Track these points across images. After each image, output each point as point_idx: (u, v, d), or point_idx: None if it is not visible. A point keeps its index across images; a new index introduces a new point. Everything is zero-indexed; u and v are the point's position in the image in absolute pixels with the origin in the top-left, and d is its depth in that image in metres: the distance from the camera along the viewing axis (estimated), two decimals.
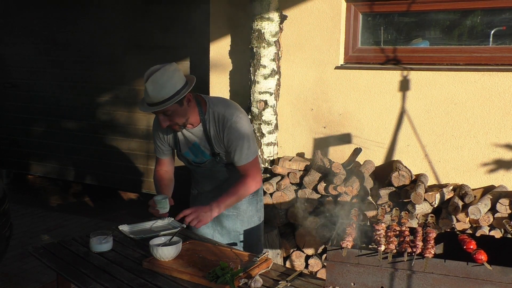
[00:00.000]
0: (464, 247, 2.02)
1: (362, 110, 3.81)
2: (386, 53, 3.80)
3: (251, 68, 3.94)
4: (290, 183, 3.75)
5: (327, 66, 3.90)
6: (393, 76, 3.68)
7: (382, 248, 1.97)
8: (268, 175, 3.93)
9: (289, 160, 3.87)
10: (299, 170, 3.81)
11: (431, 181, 3.64)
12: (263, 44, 3.86)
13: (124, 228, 2.66)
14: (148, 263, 2.20)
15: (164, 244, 2.24)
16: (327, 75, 3.90)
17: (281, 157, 3.99)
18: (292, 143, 4.13)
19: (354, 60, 3.90)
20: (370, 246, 2.18)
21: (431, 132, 3.62)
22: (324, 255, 3.58)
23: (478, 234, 3.07)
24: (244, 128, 2.48)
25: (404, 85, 3.65)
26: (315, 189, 3.60)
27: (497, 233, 3.18)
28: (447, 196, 3.41)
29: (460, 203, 3.23)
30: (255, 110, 3.96)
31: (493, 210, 3.21)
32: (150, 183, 5.39)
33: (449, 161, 3.59)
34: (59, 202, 5.99)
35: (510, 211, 3.16)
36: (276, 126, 4.05)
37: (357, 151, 3.77)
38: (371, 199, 3.50)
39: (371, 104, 3.78)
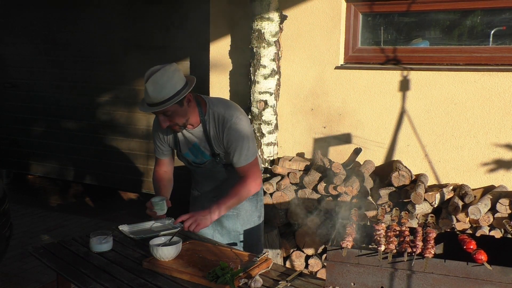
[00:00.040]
0: (464, 247, 2.02)
1: (362, 110, 3.81)
2: (386, 53, 3.80)
3: (251, 68, 3.94)
4: (290, 183, 3.75)
5: (327, 66, 3.90)
6: (393, 76, 3.68)
7: (382, 248, 1.97)
8: (268, 175, 3.93)
9: (289, 160, 3.87)
10: (299, 170, 3.81)
11: (431, 181, 3.64)
12: (263, 44, 3.86)
13: (124, 228, 2.66)
14: (148, 263, 2.20)
15: (164, 244, 2.24)
16: (327, 75, 3.91)
17: (281, 157, 3.99)
18: (292, 143, 4.13)
19: (354, 60, 3.90)
20: (370, 246, 2.18)
21: (431, 132, 3.62)
22: (324, 255, 3.58)
23: (478, 234, 3.07)
24: (244, 129, 2.48)
25: (404, 85, 3.66)
26: (315, 189, 3.60)
27: (497, 233, 3.18)
28: (447, 196, 3.41)
29: (460, 203, 3.23)
30: (255, 110, 3.96)
31: (493, 210, 3.21)
32: (150, 183, 5.40)
33: (449, 161, 3.59)
34: (59, 202, 5.99)
35: (510, 211, 3.16)
36: (276, 126, 4.05)
37: (357, 151, 3.77)
38: (371, 199, 3.50)
39: (371, 104, 3.78)
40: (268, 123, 3.98)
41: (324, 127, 3.98)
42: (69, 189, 6.39)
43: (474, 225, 3.25)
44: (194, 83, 2.40)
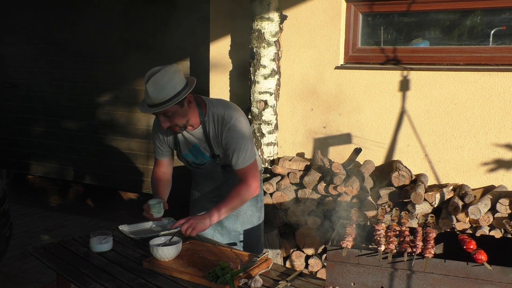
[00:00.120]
0: (464, 247, 2.02)
1: (362, 110, 3.81)
2: (386, 53, 3.80)
3: (251, 68, 3.95)
4: (290, 183, 3.75)
5: (327, 66, 3.90)
6: (393, 76, 3.68)
7: (382, 248, 1.98)
8: (268, 175, 3.93)
9: (289, 160, 3.87)
10: (299, 170, 3.81)
11: (431, 181, 3.64)
12: (263, 44, 3.86)
13: (124, 228, 2.66)
14: (148, 263, 2.20)
15: (164, 244, 2.24)
16: (327, 75, 3.91)
17: (281, 157, 3.99)
18: (292, 143, 4.13)
19: (354, 60, 3.90)
20: (370, 246, 2.18)
21: (431, 132, 3.62)
22: (324, 255, 3.58)
23: (478, 234, 3.07)
24: (243, 131, 2.47)
25: (404, 85, 3.66)
26: (315, 189, 3.60)
27: (497, 233, 3.18)
28: (447, 196, 3.41)
29: (460, 203, 3.23)
30: (255, 110, 3.96)
31: (493, 210, 3.21)
32: (150, 183, 5.39)
33: (449, 161, 3.59)
34: (59, 202, 5.99)
35: (510, 211, 3.16)
36: (276, 126, 4.05)
37: (357, 151, 3.77)
38: (371, 199, 3.50)
39: (371, 104, 3.78)
40: (268, 123, 3.98)
41: (324, 127, 3.98)
42: (69, 189, 6.39)
43: (474, 225, 3.25)
44: (194, 84, 2.40)
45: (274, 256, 3.60)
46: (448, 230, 3.23)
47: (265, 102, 3.94)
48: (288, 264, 3.74)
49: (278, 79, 3.99)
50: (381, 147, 3.78)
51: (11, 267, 4.07)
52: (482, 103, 3.45)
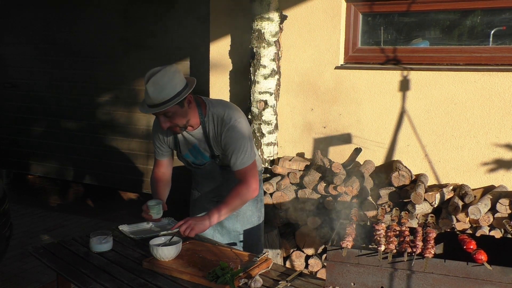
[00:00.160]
0: (464, 247, 2.02)
1: (362, 110, 3.81)
2: (386, 53, 3.80)
3: (251, 68, 3.95)
4: (290, 183, 3.75)
5: (327, 66, 3.90)
6: (393, 76, 3.68)
7: (382, 248, 1.98)
8: (268, 175, 3.93)
9: (289, 160, 3.87)
10: (299, 170, 3.81)
11: (431, 181, 3.64)
12: (263, 44, 3.86)
13: (124, 228, 2.66)
14: (148, 263, 2.20)
15: (164, 244, 2.24)
16: (327, 75, 3.91)
17: (281, 157, 3.99)
18: (292, 143, 4.13)
19: (354, 60, 3.91)
20: (370, 246, 2.18)
21: (431, 132, 3.62)
22: (324, 255, 3.58)
23: (478, 234, 3.07)
24: (242, 131, 2.47)
25: (404, 85, 3.66)
26: (315, 189, 3.60)
27: (497, 233, 3.18)
28: (447, 196, 3.41)
29: (460, 203, 3.23)
30: (255, 110, 3.96)
31: (493, 210, 3.21)
32: (150, 183, 5.39)
33: (449, 161, 3.59)
34: (59, 202, 5.99)
35: (510, 211, 3.16)
36: (276, 126, 4.05)
37: (357, 151, 3.77)
38: (371, 199, 3.50)
39: (371, 104, 3.78)
40: (268, 123, 3.98)
41: (324, 127, 3.98)
42: (69, 189, 6.39)
43: (474, 225, 3.25)
44: (194, 84, 2.40)
45: (274, 256, 3.60)
46: (448, 230, 3.23)
47: (265, 102, 3.94)
48: (288, 264, 3.74)
49: (278, 79, 3.99)
50: (381, 147, 3.78)
51: (11, 267, 4.07)
52: (482, 103, 3.45)
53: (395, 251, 1.96)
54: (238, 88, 4.29)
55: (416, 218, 3.25)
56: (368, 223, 2.49)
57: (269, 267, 2.18)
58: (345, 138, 3.89)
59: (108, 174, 5.76)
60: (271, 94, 3.95)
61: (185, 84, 2.37)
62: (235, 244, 2.73)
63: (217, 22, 4.32)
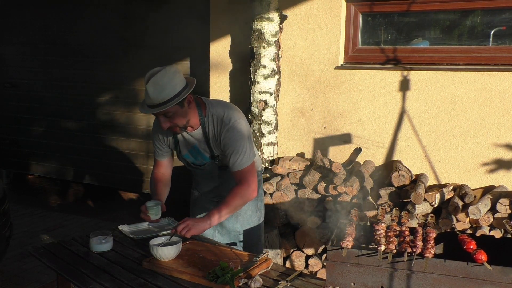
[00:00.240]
0: (464, 247, 2.02)
1: (362, 110, 3.81)
2: (386, 53, 3.80)
3: (251, 68, 3.95)
4: (290, 183, 3.75)
5: (327, 66, 3.90)
6: (393, 76, 3.68)
7: (382, 248, 1.98)
8: (268, 175, 3.93)
9: (289, 160, 3.87)
10: (299, 170, 3.81)
11: (431, 181, 3.64)
12: (263, 44, 3.86)
13: (124, 228, 2.67)
14: (148, 263, 2.20)
15: (164, 244, 2.24)
16: (327, 75, 3.91)
17: (281, 157, 4.00)
18: (292, 143, 4.13)
19: (354, 60, 3.91)
20: (370, 246, 2.18)
21: (431, 132, 3.62)
22: (324, 255, 3.58)
23: (478, 234, 3.07)
24: (242, 132, 2.46)
25: (404, 85, 3.66)
26: (315, 189, 3.60)
27: (497, 233, 3.18)
28: (447, 196, 3.41)
29: (460, 203, 3.23)
30: (255, 110, 3.96)
31: (493, 210, 3.21)
32: (149, 183, 5.39)
33: (449, 161, 3.59)
34: (59, 202, 5.99)
35: (510, 211, 3.16)
36: (276, 126, 4.05)
37: (357, 151, 3.77)
38: (371, 199, 3.50)
39: (371, 104, 3.78)
40: (268, 123, 3.98)
41: (324, 127, 3.98)
42: (69, 189, 6.39)
43: (474, 225, 3.25)
44: (194, 85, 2.40)
45: (274, 256, 3.60)
46: (448, 230, 3.23)
47: (265, 102, 3.94)
48: (288, 264, 3.74)
49: (278, 79, 3.99)
50: (381, 147, 3.78)
51: (11, 267, 4.07)
52: (482, 103, 3.45)
53: (395, 251, 1.96)
54: (238, 88, 4.29)
55: (416, 218, 3.25)
56: (368, 223, 2.49)
57: (269, 267, 2.18)
58: (345, 138, 3.89)
59: (108, 174, 5.76)
60: (271, 94, 3.95)
61: (185, 84, 2.37)
62: (235, 244, 2.73)
63: (217, 22, 4.32)
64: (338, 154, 3.92)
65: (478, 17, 3.62)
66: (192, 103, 2.43)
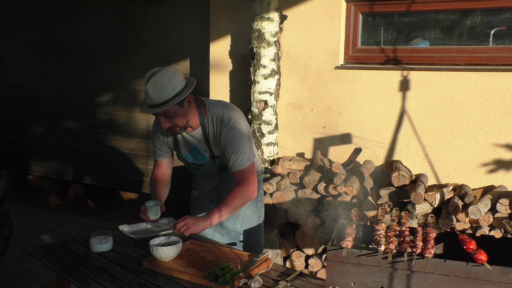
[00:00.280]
0: (464, 247, 2.02)
1: (362, 110, 3.81)
2: (386, 53, 3.80)
3: (251, 68, 3.95)
4: (290, 183, 3.75)
5: (327, 66, 3.90)
6: (393, 76, 3.68)
7: (382, 248, 1.97)
8: (268, 175, 3.93)
9: (289, 160, 3.87)
10: (299, 170, 3.81)
11: (431, 181, 3.64)
12: (263, 44, 3.86)
13: (124, 228, 2.67)
14: (148, 263, 2.20)
15: (164, 244, 2.24)
16: (327, 75, 3.91)
17: (281, 157, 4.00)
18: (292, 143, 4.13)
19: (354, 60, 3.91)
20: (370, 246, 2.18)
21: (431, 132, 3.62)
22: (324, 255, 3.58)
23: (478, 234, 3.07)
24: (241, 133, 2.46)
25: (404, 85, 3.66)
26: (315, 189, 3.60)
27: (497, 233, 3.18)
28: (447, 196, 3.41)
29: (460, 203, 3.23)
30: (255, 110, 3.96)
31: (493, 210, 3.21)
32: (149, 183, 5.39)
33: (449, 161, 3.59)
34: (59, 202, 5.99)
35: (510, 211, 3.16)
36: (276, 126, 4.05)
37: (357, 151, 3.77)
38: (371, 199, 3.50)
39: (371, 104, 3.78)
40: (268, 123, 3.98)
41: (324, 127, 3.98)
42: (69, 189, 6.39)
43: (474, 225, 3.25)
44: (194, 85, 2.40)
45: (274, 256, 3.60)
46: (448, 230, 3.23)
47: (265, 102, 3.94)
48: (288, 264, 3.74)
49: (278, 79, 3.99)
50: (381, 147, 3.78)
51: (11, 267, 4.07)
52: (482, 103, 3.45)
53: (395, 251, 1.96)
54: (238, 88, 4.29)
55: (416, 218, 3.25)
56: (368, 223, 2.49)
57: (269, 267, 2.18)
58: (345, 138, 3.89)
59: (108, 174, 5.76)
60: (271, 94, 3.95)
61: (185, 84, 2.37)
62: (235, 244, 2.73)
63: (217, 22, 4.32)
64: (338, 154, 3.92)
65: (478, 17, 3.62)
66: (192, 103, 2.43)
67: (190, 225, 2.34)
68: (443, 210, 3.34)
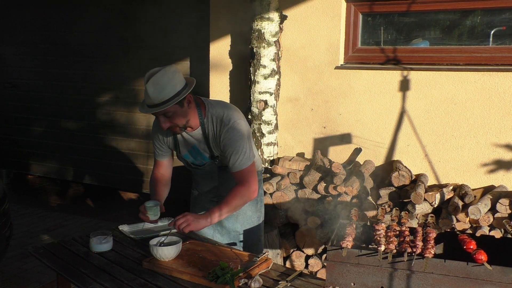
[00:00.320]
0: (464, 247, 2.02)
1: (362, 110, 3.81)
2: (386, 53, 3.80)
3: (251, 68, 3.95)
4: (290, 183, 3.75)
5: (327, 66, 3.90)
6: (393, 76, 3.68)
7: (382, 248, 1.98)
8: (268, 175, 3.93)
9: (289, 160, 3.87)
10: (299, 170, 3.81)
11: (431, 181, 3.64)
12: (263, 44, 3.86)
13: (124, 228, 2.67)
14: (148, 263, 2.20)
15: (164, 244, 2.24)
16: (327, 75, 3.91)
17: (281, 157, 4.00)
18: (292, 143, 4.13)
19: (354, 60, 3.91)
20: (370, 246, 2.18)
21: (431, 132, 3.62)
22: (324, 255, 3.58)
23: (478, 234, 3.07)
24: (241, 133, 2.46)
25: (404, 85, 3.66)
26: (315, 189, 3.60)
27: (497, 233, 3.18)
28: (447, 196, 3.41)
29: (460, 203, 3.23)
30: (255, 110, 3.96)
31: (493, 210, 3.21)
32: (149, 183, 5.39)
33: (449, 161, 3.59)
34: (59, 202, 5.99)
35: (510, 211, 3.16)
36: (276, 126, 4.05)
37: (357, 151, 3.77)
38: (371, 199, 3.50)
39: (371, 104, 3.78)
40: (268, 123, 3.98)
41: (324, 127, 3.98)
42: (69, 189, 6.39)
43: (474, 225, 3.25)
44: (194, 84, 2.40)
45: (274, 256, 3.60)
46: (448, 230, 3.23)
47: (265, 102, 3.94)
48: (288, 264, 3.74)
49: (278, 79, 3.99)
50: (381, 147, 3.78)
51: (11, 267, 4.07)
52: (482, 103, 3.45)
53: (395, 251, 1.96)
54: (238, 88, 4.29)
55: (416, 218, 3.25)
56: (368, 223, 2.49)
57: (269, 267, 2.18)
58: (345, 138, 3.89)
59: (108, 174, 5.76)
60: (271, 94, 3.95)
61: (185, 84, 2.37)
62: (235, 244, 2.73)
63: (217, 22, 4.32)
64: (338, 154, 3.92)
65: (478, 17, 3.62)
66: (191, 103, 2.43)
67: (190, 222, 2.34)
68: (443, 210, 3.34)
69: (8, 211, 3.46)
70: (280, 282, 2.02)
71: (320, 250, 3.69)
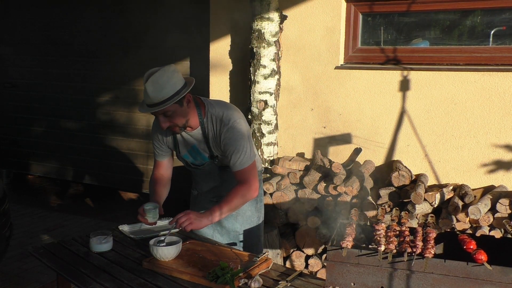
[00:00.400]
0: (464, 247, 2.02)
1: (362, 110, 3.81)
2: (386, 53, 3.80)
3: (251, 68, 3.95)
4: (290, 183, 3.75)
5: (327, 66, 3.90)
6: (393, 76, 3.68)
7: (382, 248, 1.97)
8: (268, 175, 3.93)
9: (289, 160, 3.87)
10: (299, 170, 3.81)
11: (431, 181, 3.64)
12: (263, 44, 3.86)
13: (124, 228, 2.66)
14: (148, 263, 2.20)
15: (164, 244, 2.23)
16: (327, 75, 3.91)
17: (281, 157, 3.99)
18: (292, 143, 4.13)
19: (354, 60, 3.91)
20: (370, 246, 2.18)
21: (431, 132, 3.62)
22: (324, 255, 3.58)
23: (478, 234, 3.07)
24: (241, 132, 2.46)
25: (404, 85, 3.66)
26: (315, 189, 3.60)
27: (497, 233, 3.18)
28: (447, 196, 3.41)
29: (460, 203, 3.23)
30: (255, 110, 3.96)
31: (493, 210, 3.21)
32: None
33: (449, 161, 3.59)
34: (59, 202, 5.99)
35: (510, 211, 3.16)
36: (276, 126, 4.05)
37: (357, 151, 3.77)
38: (371, 199, 3.50)
39: (371, 104, 3.78)
40: (268, 123, 3.98)
41: (324, 127, 3.98)
42: (69, 189, 6.39)
43: (474, 225, 3.25)
44: (193, 84, 2.40)
45: (274, 256, 3.60)
46: (448, 230, 3.23)
47: (265, 102, 3.94)
48: (288, 264, 3.74)
49: (278, 79, 3.99)
50: (381, 147, 3.78)
51: (11, 267, 4.07)
52: (482, 103, 3.45)
53: (395, 251, 1.96)
54: (238, 88, 4.29)
55: (416, 218, 3.25)
56: (368, 223, 2.49)
57: (269, 267, 2.18)
58: (345, 138, 3.89)
59: (108, 174, 5.77)
60: (271, 94, 3.95)
61: (184, 83, 2.37)
62: (235, 244, 2.73)
63: (217, 22, 4.32)
64: (338, 154, 3.92)
65: (478, 17, 3.62)
66: (191, 103, 2.43)
67: (192, 220, 2.33)
68: (443, 210, 3.34)
69: (8, 211, 3.46)
70: (280, 282, 2.02)
71: (320, 250, 3.69)
